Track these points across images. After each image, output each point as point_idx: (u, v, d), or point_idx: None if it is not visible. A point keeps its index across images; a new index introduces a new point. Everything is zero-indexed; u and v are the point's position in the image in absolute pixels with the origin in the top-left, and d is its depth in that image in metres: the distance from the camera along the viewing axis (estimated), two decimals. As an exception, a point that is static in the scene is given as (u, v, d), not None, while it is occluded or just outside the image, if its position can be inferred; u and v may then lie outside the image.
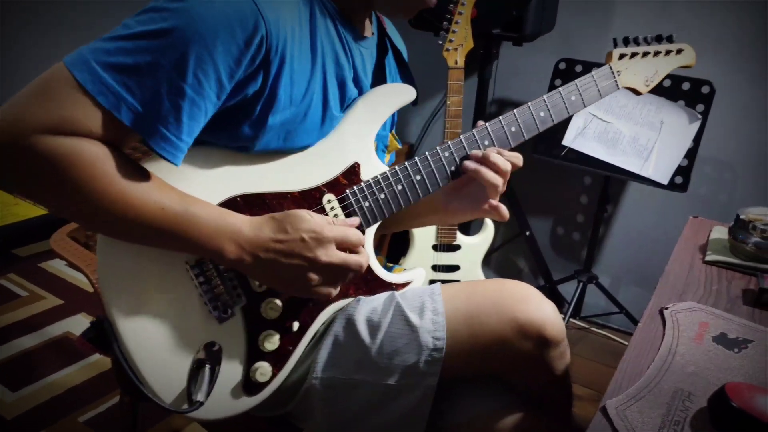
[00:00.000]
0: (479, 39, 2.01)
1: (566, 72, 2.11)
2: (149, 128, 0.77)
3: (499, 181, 0.97)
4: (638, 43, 1.10)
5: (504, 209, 1.02)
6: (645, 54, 1.11)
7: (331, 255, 0.85)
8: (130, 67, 0.74)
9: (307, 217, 0.84)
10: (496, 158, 0.97)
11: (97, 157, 0.76)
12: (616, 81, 1.08)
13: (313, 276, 0.85)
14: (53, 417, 1.75)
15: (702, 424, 0.72)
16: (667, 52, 1.13)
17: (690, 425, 0.71)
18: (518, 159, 1.00)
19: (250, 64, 0.81)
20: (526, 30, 1.98)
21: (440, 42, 1.94)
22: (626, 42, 1.10)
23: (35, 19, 2.63)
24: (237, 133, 0.87)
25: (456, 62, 1.94)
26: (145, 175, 0.81)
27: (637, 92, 1.13)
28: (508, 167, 0.98)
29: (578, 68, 2.09)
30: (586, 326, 2.45)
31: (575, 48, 2.28)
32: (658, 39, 1.12)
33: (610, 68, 1.07)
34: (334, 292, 0.90)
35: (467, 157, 0.99)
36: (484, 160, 0.98)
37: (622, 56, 1.09)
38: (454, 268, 2.13)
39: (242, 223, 0.85)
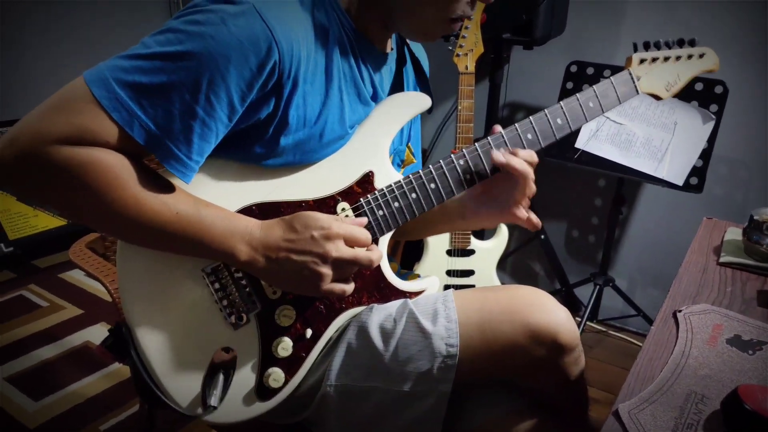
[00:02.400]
0: (489, 43, 2.02)
1: (578, 75, 2.11)
2: (160, 146, 0.79)
3: (529, 172, 0.97)
4: (659, 47, 1.07)
5: (535, 218, 1.01)
6: (666, 59, 1.08)
7: (341, 250, 0.86)
8: (145, 86, 0.77)
9: (315, 216, 0.86)
10: (514, 162, 0.96)
11: (112, 166, 0.78)
12: (635, 86, 1.05)
13: (325, 271, 0.86)
14: (75, 426, 1.78)
15: (715, 426, 0.72)
16: (689, 57, 1.10)
17: (703, 428, 0.71)
18: (532, 156, 0.98)
19: (263, 88, 0.82)
20: (537, 33, 1.98)
21: (450, 47, 1.95)
22: (647, 46, 1.07)
23: (35, 18, 2.68)
24: (250, 151, 0.89)
25: (467, 67, 1.95)
26: (159, 182, 0.83)
27: (657, 97, 1.10)
28: (527, 168, 0.97)
29: (590, 70, 2.09)
30: (604, 329, 2.44)
31: (586, 50, 2.27)
32: (680, 43, 1.09)
33: (630, 73, 1.05)
34: (348, 289, 0.90)
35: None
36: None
37: (642, 61, 1.06)
38: (468, 273, 2.13)
39: (253, 225, 0.87)
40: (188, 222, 0.83)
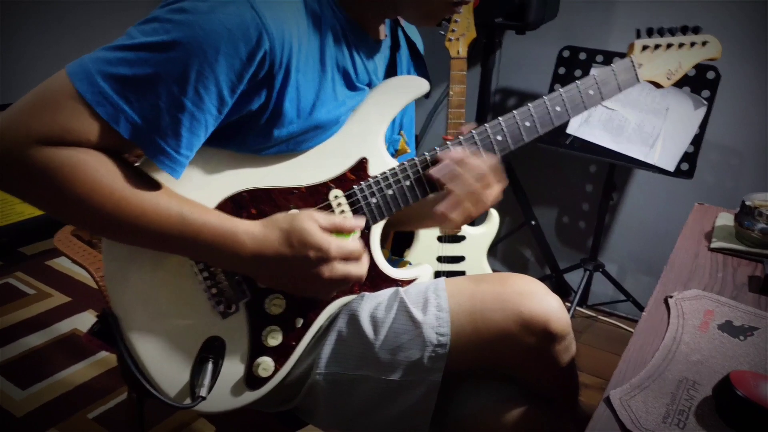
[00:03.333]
0: (482, 28, 2.00)
1: (570, 60, 2.09)
2: (147, 141, 0.76)
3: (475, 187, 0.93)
4: (662, 34, 1.06)
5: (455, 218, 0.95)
6: (669, 46, 1.06)
7: (334, 270, 0.85)
8: (130, 78, 0.74)
9: (314, 231, 0.83)
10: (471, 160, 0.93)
11: (94, 169, 0.76)
12: (636, 74, 1.04)
13: (313, 287, 0.87)
14: (62, 414, 1.76)
15: (707, 413, 0.71)
16: (692, 44, 1.09)
17: (695, 414, 0.71)
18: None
19: (253, 78, 0.80)
20: (529, 18, 1.96)
21: (442, 32, 1.93)
22: (650, 33, 1.05)
23: (35, 17, 2.64)
24: (243, 143, 0.87)
25: (458, 52, 1.93)
26: (144, 185, 0.80)
27: (658, 85, 1.08)
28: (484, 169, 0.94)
29: (582, 56, 2.07)
30: (593, 314, 2.45)
31: (579, 35, 2.26)
32: (684, 30, 1.08)
33: (632, 61, 1.03)
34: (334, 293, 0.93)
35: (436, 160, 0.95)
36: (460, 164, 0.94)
37: (644, 48, 1.04)
38: (459, 259, 2.13)
39: (245, 234, 0.83)
40: (171, 230, 0.80)
